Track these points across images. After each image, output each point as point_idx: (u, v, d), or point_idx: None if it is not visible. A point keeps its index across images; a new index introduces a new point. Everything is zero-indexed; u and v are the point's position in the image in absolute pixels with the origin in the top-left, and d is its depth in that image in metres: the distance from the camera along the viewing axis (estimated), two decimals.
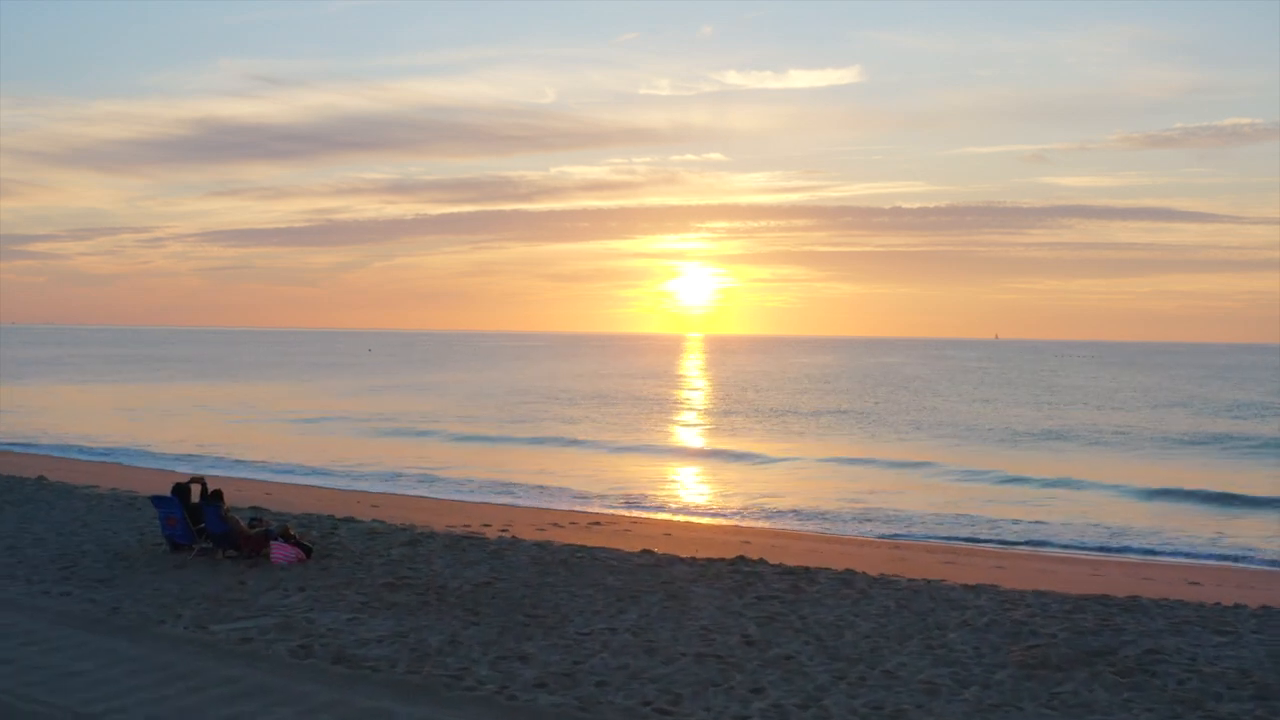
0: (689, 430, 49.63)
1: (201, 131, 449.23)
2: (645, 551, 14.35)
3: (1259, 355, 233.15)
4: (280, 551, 13.60)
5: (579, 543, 16.11)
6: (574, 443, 40.95)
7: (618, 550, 14.56)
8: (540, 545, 14.70)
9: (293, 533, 14.10)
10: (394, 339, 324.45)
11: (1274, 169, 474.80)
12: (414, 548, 14.40)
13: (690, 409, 62.76)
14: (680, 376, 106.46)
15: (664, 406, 64.34)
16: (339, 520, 16.67)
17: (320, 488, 29.41)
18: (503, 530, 19.53)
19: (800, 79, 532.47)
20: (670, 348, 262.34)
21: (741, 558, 14.10)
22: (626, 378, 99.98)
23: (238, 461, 35.73)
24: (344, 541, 14.79)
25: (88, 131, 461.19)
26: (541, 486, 30.84)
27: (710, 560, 13.95)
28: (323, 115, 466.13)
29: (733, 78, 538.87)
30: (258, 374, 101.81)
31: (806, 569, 13.68)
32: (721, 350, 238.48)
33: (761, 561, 13.82)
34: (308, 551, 13.79)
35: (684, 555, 14.67)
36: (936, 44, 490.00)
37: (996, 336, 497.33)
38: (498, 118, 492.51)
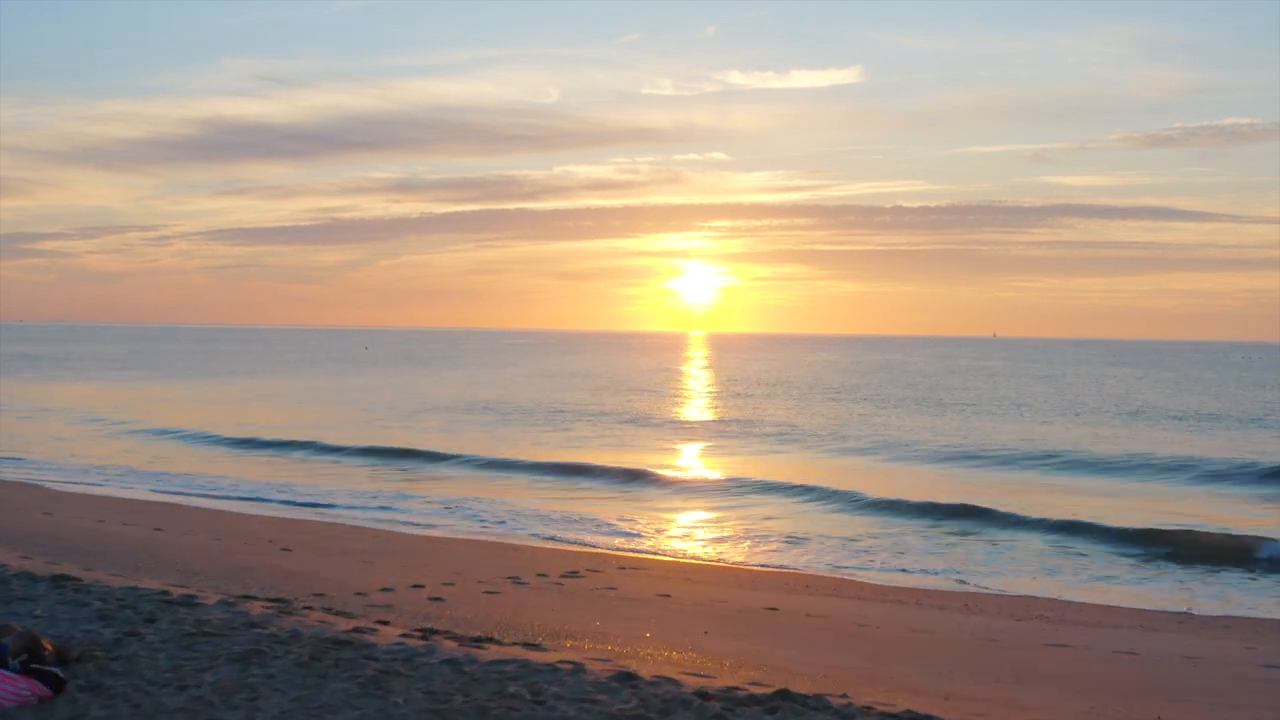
0: (689, 444, 44.05)
1: (208, 131, 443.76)
2: (624, 677, 8.70)
3: (1262, 353, 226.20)
4: (7, 688, 8.06)
5: (524, 647, 10.52)
6: (562, 465, 34.69)
7: (580, 670, 8.93)
8: (454, 664, 9.07)
9: (47, 646, 8.56)
10: (399, 337, 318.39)
11: (1274, 168, 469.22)
12: (246, 668, 8.79)
13: (691, 419, 57.23)
14: (682, 378, 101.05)
15: (662, 415, 58.89)
16: (163, 605, 11.01)
17: (238, 514, 23.90)
18: (438, 595, 13.97)
19: (802, 79, 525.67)
20: (673, 345, 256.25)
21: (784, 693, 8.46)
22: (625, 380, 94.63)
23: (163, 475, 30.22)
24: (141, 652, 9.18)
25: (95, 131, 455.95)
26: (513, 515, 25.27)
27: (733, 699, 8.33)
28: (328, 115, 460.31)
29: (735, 77, 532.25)
30: (237, 372, 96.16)
31: None
32: (725, 349, 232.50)
33: (820, 705, 8.17)
34: (56, 684, 8.25)
35: (689, 680, 9.02)
36: (937, 44, 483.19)
37: (995, 335, 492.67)
38: (502, 117, 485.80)
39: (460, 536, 22.57)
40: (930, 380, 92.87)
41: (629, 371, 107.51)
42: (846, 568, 20.68)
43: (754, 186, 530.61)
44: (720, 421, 52.02)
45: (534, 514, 25.34)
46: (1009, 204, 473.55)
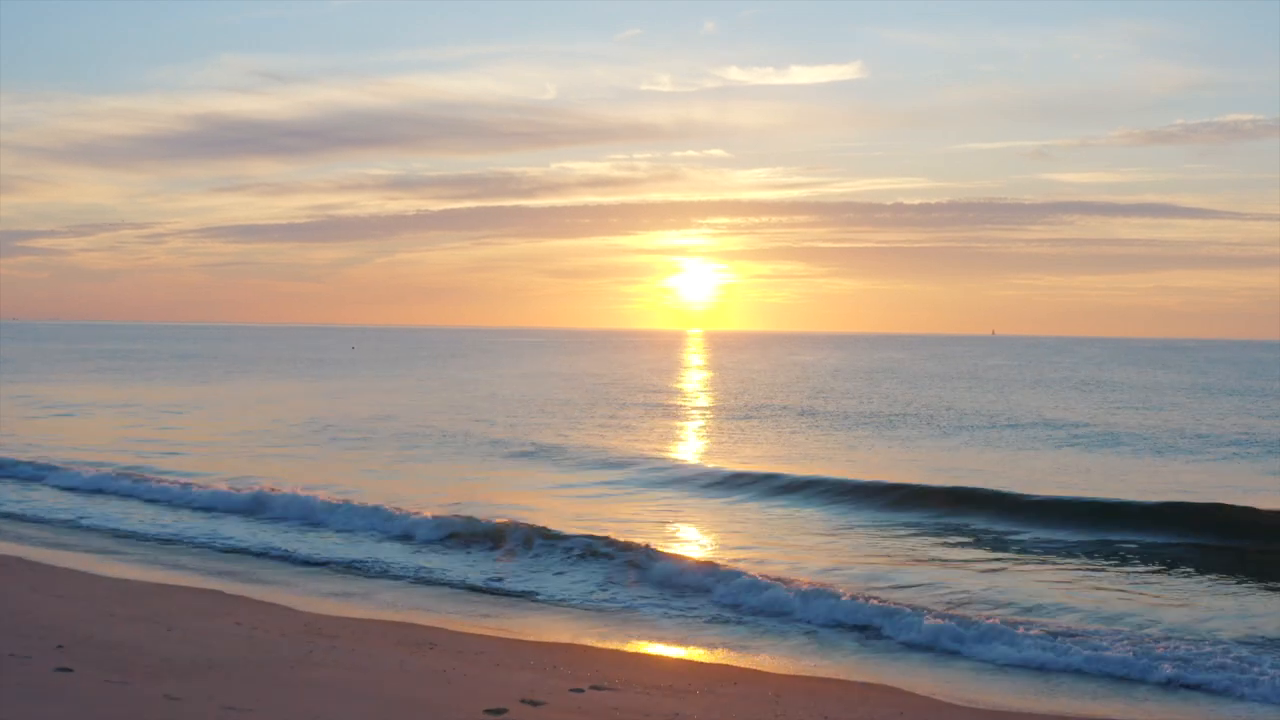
0: (669, 470, 37.85)
1: (204, 127, 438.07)
2: None
3: (1261, 351, 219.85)
4: None
5: None
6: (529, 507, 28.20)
7: None
8: None
9: None
10: (395, 335, 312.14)
11: (1275, 165, 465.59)
12: None
13: (660, 441, 50.92)
14: (676, 386, 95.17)
15: (649, 440, 52.80)
16: None
17: (103, 577, 17.83)
18: None
19: (802, 75, 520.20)
20: (671, 344, 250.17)
21: None
22: (617, 385, 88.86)
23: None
24: None
25: (90, 127, 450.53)
26: (476, 586, 19.25)
27: None
28: (325, 111, 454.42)
29: (734, 74, 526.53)
30: (206, 373, 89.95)
31: None
32: (721, 347, 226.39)
33: None
34: None
35: None
36: (938, 40, 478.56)
37: (994, 333, 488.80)
38: (499, 114, 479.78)
39: (361, 614, 16.60)
40: (933, 384, 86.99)
41: (635, 373, 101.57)
42: (884, 661, 14.98)
43: (753, 183, 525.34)
44: (698, 442, 45.97)
45: (483, 572, 19.29)
46: (1009, 201, 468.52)
